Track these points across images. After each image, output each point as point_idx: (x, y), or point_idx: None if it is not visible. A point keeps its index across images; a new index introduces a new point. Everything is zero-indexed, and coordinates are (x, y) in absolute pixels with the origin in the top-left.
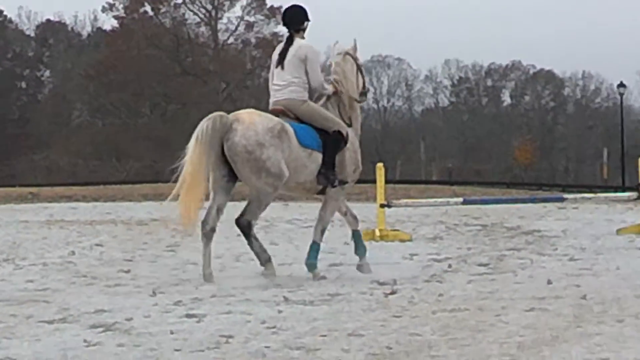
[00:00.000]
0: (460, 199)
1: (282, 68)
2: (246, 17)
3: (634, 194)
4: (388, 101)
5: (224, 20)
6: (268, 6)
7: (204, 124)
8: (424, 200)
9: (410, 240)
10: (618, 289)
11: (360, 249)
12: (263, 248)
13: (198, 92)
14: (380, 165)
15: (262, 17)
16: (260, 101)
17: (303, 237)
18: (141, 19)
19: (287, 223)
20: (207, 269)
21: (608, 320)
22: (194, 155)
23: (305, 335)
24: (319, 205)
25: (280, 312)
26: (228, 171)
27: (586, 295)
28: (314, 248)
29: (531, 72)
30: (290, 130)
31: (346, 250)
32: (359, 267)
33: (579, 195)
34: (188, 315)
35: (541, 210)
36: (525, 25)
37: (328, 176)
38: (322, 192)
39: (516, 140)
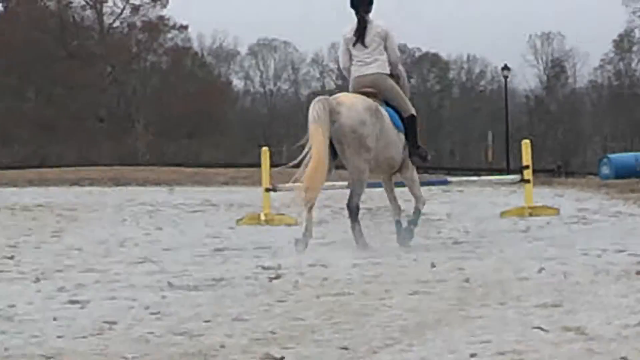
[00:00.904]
0: (346, 183)
1: (365, 46)
2: (132, 1)
3: (517, 177)
4: (274, 84)
5: (110, 3)
6: None
7: (316, 107)
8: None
9: (295, 224)
10: (501, 272)
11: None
12: (361, 232)
13: (84, 76)
14: (265, 149)
15: (147, 1)
16: (146, 85)
17: (188, 221)
18: (26, 2)
19: (172, 208)
20: (308, 234)
21: (491, 303)
22: (318, 137)
23: (189, 321)
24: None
25: (164, 297)
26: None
27: (469, 279)
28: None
29: (416, 55)
30: (383, 109)
31: (230, 234)
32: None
33: (463, 179)
34: (71, 302)
35: (426, 193)
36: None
37: (420, 154)
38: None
39: None
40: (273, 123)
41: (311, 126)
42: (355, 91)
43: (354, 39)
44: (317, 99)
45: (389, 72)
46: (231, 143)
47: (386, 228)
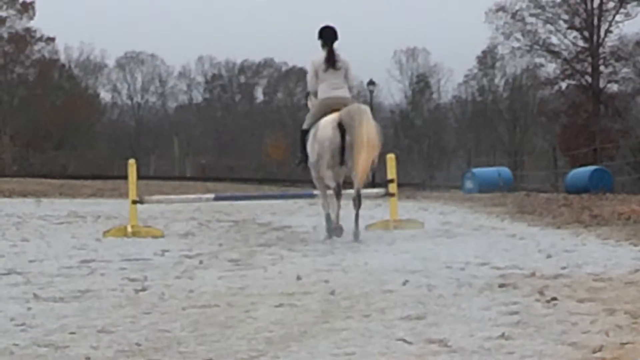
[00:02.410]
0: (212, 195)
1: (335, 71)
2: None
3: (382, 191)
4: (142, 97)
5: None
6: (20, 1)
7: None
8: (176, 197)
9: (162, 236)
10: (365, 284)
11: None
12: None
13: None
14: (132, 161)
15: (14, 12)
16: (13, 96)
17: (55, 233)
18: None
19: (39, 219)
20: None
21: (355, 316)
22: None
23: (55, 333)
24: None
25: (29, 309)
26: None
27: (334, 291)
28: None
29: (283, 69)
30: None
31: (97, 246)
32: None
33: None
34: None
35: (293, 206)
36: (277, 23)
37: None
38: None
39: (269, 137)
40: (140, 135)
41: (359, 129)
42: (334, 109)
43: (325, 65)
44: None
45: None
46: (98, 155)
47: (253, 241)
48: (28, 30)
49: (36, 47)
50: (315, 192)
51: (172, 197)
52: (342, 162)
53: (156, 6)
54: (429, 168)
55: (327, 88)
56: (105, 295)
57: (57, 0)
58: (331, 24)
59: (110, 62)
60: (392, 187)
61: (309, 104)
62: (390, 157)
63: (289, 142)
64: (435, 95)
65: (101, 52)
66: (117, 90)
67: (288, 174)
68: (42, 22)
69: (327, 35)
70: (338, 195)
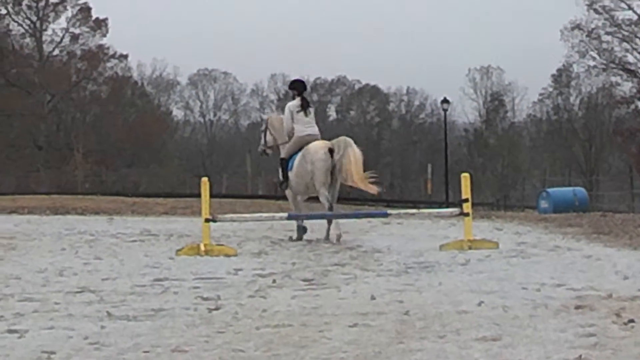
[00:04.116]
0: (286, 214)
1: (307, 115)
2: (71, 29)
3: (456, 210)
4: (214, 115)
5: (49, 31)
6: (93, 18)
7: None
8: (249, 215)
9: (235, 255)
10: (440, 305)
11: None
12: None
13: (22, 104)
14: (205, 179)
15: (87, 29)
16: (85, 113)
17: (128, 251)
18: None
19: (111, 237)
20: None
21: (430, 336)
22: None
23: (128, 351)
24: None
25: (103, 327)
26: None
27: (409, 311)
28: None
29: (356, 87)
30: None
31: (170, 265)
32: None
33: (402, 211)
34: (10, 331)
35: (366, 225)
36: (351, 41)
37: None
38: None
39: None
40: (212, 153)
41: (347, 153)
42: (308, 142)
43: (300, 109)
44: (338, 141)
45: None
46: (170, 173)
47: (327, 260)
48: (101, 47)
49: (109, 64)
50: (390, 211)
51: (245, 215)
52: (332, 180)
53: (229, 24)
54: (503, 187)
55: (302, 127)
56: (178, 314)
57: (130, 17)
58: (300, 78)
59: (183, 80)
60: (467, 207)
61: (268, 134)
62: (465, 177)
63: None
64: (509, 114)
65: (174, 69)
66: (189, 108)
67: (361, 192)
68: (115, 39)
69: (298, 87)
70: (331, 209)
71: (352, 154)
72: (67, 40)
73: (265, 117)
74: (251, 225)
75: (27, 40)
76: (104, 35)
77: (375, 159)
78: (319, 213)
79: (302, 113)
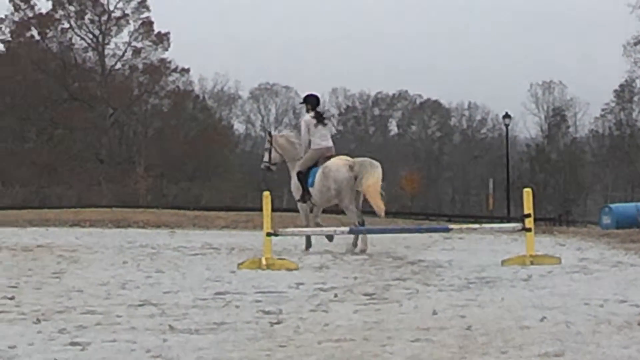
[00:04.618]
0: (347, 228)
1: (323, 126)
2: (134, 43)
3: (518, 225)
4: (275, 129)
5: (112, 45)
6: (155, 32)
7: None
8: (310, 229)
9: (296, 269)
10: (502, 320)
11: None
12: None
13: (85, 118)
14: (267, 193)
15: (149, 43)
16: (147, 127)
17: (189, 264)
18: (28, 43)
19: (173, 250)
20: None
21: (492, 352)
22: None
23: None
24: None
25: (165, 340)
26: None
27: (471, 326)
28: None
29: (418, 101)
30: None
31: (231, 278)
32: None
33: (464, 226)
34: (72, 343)
35: (427, 240)
36: (412, 55)
37: None
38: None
39: (403, 169)
40: None
41: (369, 172)
42: (326, 155)
43: (316, 122)
44: (357, 160)
45: None
46: (231, 186)
47: (388, 274)
48: (163, 61)
49: (171, 78)
50: (452, 226)
51: (306, 229)
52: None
53: (291, 38)
54: (565, 203)
55: (318, 140)
56: (240, 328)
57: (191, 31)
58: (315, 93)
59: (244, 94)
60: (529, 222)
61: (273, 152)
62: (527, 192)
63: (423, 175)
64: (571, 129)
65: (235, 83)
66: (250, 122)
67: (422, 207)
68: (176, 53)
69: (311, 101)
70: (362, 224)
71: (376, 174)
72: (129, 54)
73: (269, 134)
74: (312, 239)
75: (90, 54)
76: (166, 49)
77: (437, 173)
78: (380, 228)
79: (318, 126)
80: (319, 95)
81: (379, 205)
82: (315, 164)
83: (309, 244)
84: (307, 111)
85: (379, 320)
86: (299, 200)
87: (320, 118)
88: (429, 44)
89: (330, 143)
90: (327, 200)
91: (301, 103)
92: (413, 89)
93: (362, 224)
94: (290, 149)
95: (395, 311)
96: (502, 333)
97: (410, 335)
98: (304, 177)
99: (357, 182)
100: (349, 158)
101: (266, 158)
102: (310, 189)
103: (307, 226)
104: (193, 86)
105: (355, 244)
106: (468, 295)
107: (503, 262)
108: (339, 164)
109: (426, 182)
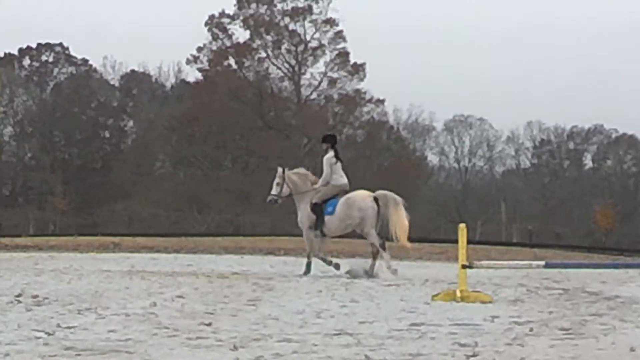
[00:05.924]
0: (543, 262)
1: (341, 165)
2: (329, 73)
3: None
4: (469, 161)
5: (307, 75)
6: (352, 63)
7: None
8: (505, 262)
9: (491, 302)
10: None
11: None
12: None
13: (280, 147)
14: (462, 225)
15: (345, 74)
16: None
17: (384, 295)
18: (225, 72)
19: (367, 280)
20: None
21: None
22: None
23: None
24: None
25: None
26: None
27: None
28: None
29: (613, 136)
30: None
31: (427, 310)
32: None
33: None
34: None
35: (623, 276)
36: (606, 88)
37: None
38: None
39: (597, 204)
40: (467, 199)
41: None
42: (343, 190)
43: (336, 160)
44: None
45: None
46: (424, 218)
47: (584, 310)
48: (358, 91)
49: (365, 109)
50: None
51: (502, 262)
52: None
53: (484, 70)
54: None
55: (338, 177)
56: None
57: (387, 62)
58: (333, 133)
59: (439, 125)
60: None
61: (285, 187)
62: None
63: (618, 210)
64: None
65: (429, 114)
66: (444, 154)
67: (616, 242)
68: (372, 83)
69: (331, 140)
70: (383, 247)
71: (402, 215)
72: (324, 84)
73: (279, 170)
74: (506, 273)
75: (286, 83)
76: (362, 80)
77: (632, 209)
78: (576, 262)
79: (337, 163)
80: (336, 135)
81: (405, 245)
82: (332, 197)
83: (309, 271)
84: (326, 150)
85: (575, 356)
86: (310, 228)
87: (338, 156)
88: (624, 76)
89: (346, 180)
90: (345, 227)
91: (322, 142)
92: (608, 122)
93: (383, 245)
94: (301, 184)
95: (592, 347)
96: None
97: None
98: (319, 208)
99: (380, 212)
100: (370, 193)
101: (275, 191)
102: (328, 217)
103: (311, 252)
104: (387, 117)
105: (371, 272)
106: None
107: None
108: (363, 194)
109: (620, 217)
